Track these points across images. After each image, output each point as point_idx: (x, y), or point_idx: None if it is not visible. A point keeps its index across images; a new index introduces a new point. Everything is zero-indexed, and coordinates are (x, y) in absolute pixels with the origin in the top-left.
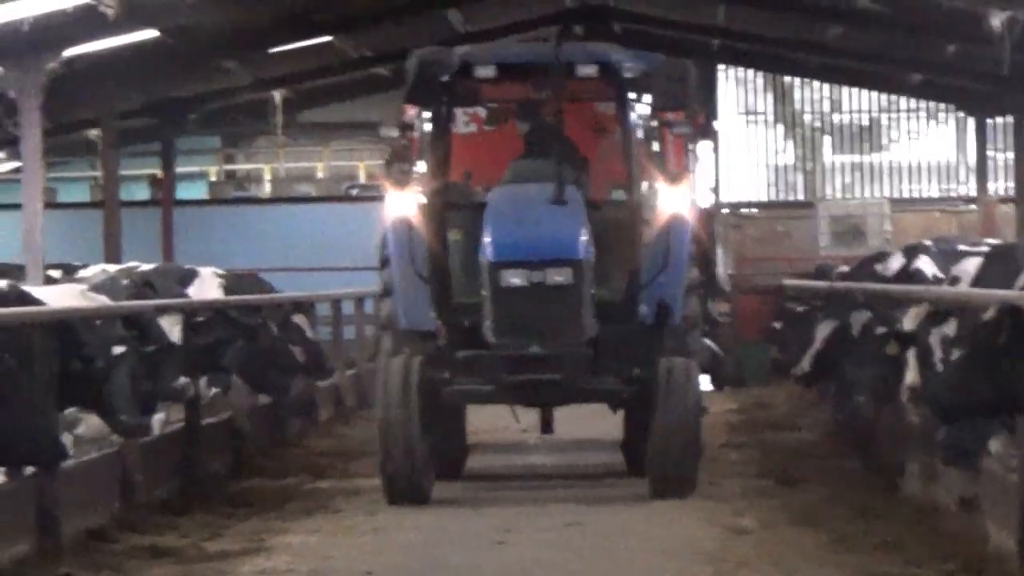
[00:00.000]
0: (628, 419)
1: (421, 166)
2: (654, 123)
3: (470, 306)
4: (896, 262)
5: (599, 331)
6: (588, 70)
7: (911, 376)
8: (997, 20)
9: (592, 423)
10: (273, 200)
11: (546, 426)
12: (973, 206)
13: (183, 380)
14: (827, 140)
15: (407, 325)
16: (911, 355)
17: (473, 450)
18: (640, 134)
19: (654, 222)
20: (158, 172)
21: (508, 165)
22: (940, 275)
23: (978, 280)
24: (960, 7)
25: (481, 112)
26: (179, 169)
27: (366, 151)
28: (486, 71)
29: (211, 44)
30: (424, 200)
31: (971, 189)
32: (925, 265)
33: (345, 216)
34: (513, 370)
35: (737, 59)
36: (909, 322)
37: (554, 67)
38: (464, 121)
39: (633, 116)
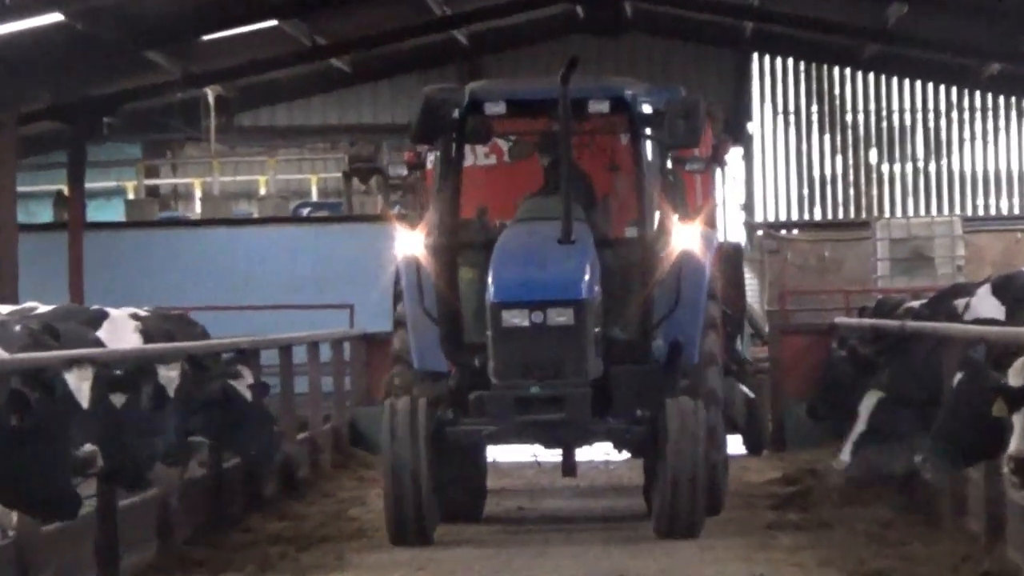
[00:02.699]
0: (647, 463)
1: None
2: (669, 159)
3: (480, 346)
4: None
5: (611, 370)
6: (600, 106)
7: (1016, 444)
8: None
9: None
10: (206, 222)
11: (568, 469)
12: None
13: (88, 448)
14: (882, 145)
15: (420, 365)
16: (1017, 418)
17: (493, 494)
18: (655, 169)
19: (666, 259)
20: (64, 188)
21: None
22: None
23: None
24: None
25: (501, 144)
26: (90, 184)
27: (320, 162)
28: (496, 108)
29: (131, 31)
30: (433, 239)
31: None
32: None
33: (295, 242)
34: (516, 410)
35: (774, 47)
36: (1017, 376)
37: (563, 102)
38: (483, 153)
39: (647, 151)
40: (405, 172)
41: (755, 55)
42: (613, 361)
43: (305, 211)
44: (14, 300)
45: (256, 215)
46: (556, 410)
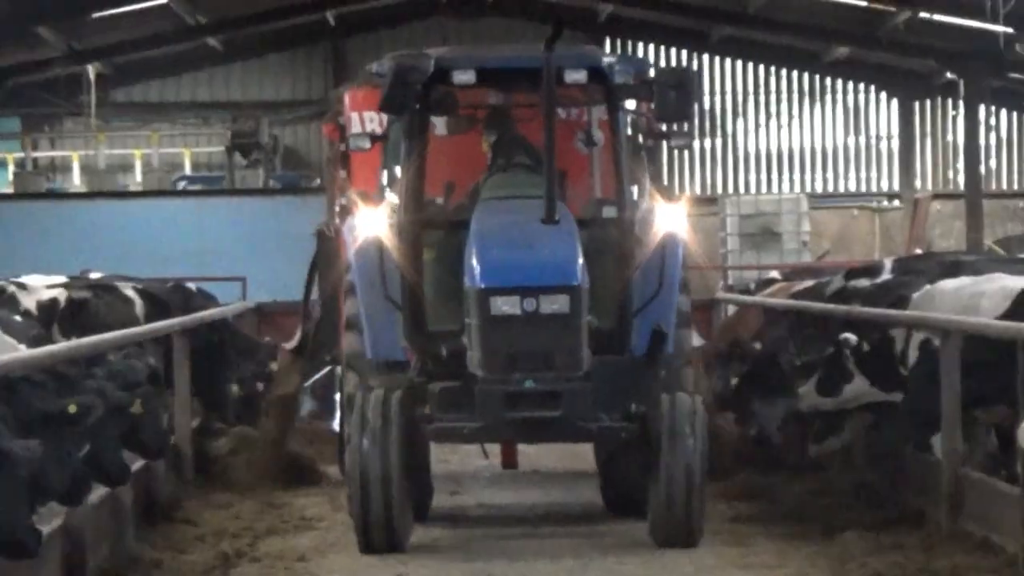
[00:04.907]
0: (606, 459)
1: (386, 178)
2: (641, 134)
3: (447, 334)
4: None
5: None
6: (577, 75)
7: None
8: None
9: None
10: (93, 195)
11: (509, 460)
12: (897, 203)
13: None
14: (729, 124)
15: (374, 355)
16: None
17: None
18: (630, 145)
19: (647, 242)
20: None
21: (480, 178)
22: None
23: None
24: None
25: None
26: None
27: (193, 137)
28: (464, 76)
29: (22, 5)
30: (399, 218)
31: (894, 183)
32: None
33: (179, 215)
34: (504, 406)
35: (627, 31)
36: None
37: (547, 70)
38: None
39: (624, 125)
40: (368, 145)
41: (607, 39)
42: (592, 353)
43: (181, 184)
44: None
45: (140, 188)
46: (553, 407)
